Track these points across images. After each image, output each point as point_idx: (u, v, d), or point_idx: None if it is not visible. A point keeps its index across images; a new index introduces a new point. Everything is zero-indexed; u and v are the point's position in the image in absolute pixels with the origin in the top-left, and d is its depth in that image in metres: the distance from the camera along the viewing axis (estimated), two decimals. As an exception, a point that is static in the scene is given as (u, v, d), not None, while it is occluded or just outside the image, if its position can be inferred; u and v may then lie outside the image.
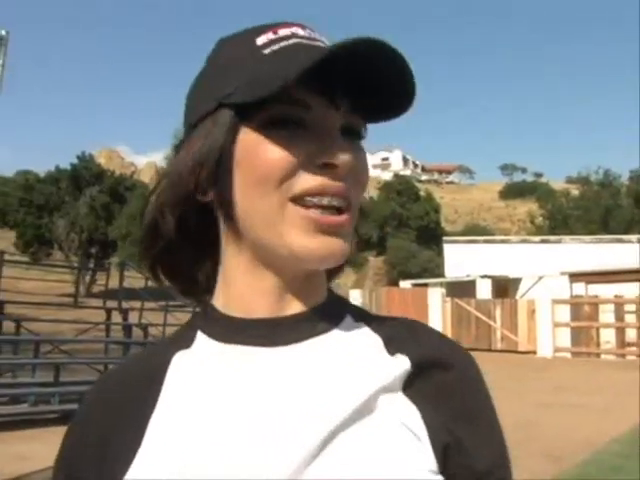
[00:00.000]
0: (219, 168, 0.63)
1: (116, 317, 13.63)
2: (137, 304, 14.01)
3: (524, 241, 30.34)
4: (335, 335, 0.65)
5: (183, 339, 0.68)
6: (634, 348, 19.71)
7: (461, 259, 26.99)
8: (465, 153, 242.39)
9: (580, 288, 22.00)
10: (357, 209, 0.64)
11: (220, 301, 0.68)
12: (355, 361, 0.62)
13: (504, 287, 24.73)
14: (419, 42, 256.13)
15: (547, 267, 23.40)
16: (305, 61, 0.57)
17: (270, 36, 0.64)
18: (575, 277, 22.25)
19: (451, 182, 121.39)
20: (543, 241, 29.06)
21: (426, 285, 25.16)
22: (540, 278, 23.54)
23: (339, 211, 0.61)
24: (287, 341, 0.63)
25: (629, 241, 27.62)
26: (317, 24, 0.69)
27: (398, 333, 0.66)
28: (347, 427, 0.57)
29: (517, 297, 23.52)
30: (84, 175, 40.84)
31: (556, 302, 20.86)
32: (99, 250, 39.70)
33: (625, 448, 7.50)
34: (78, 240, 38.70)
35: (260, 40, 0.64)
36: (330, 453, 0.56)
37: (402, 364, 0.62)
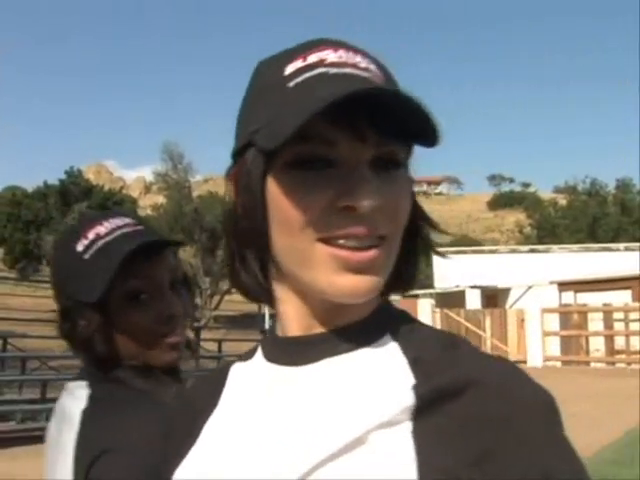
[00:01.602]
0: (256, 206, 0.63)
1: (104, 332, 13.51)
2: (126, 319, 13.95)
3: (513, 251, 30.47)
4: (356, 356, 0.63)
5: (251, 351, 0.73)
6: (623, 356, 19.78)
7: (450, 270, 27.01)
8: (453, 164, 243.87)
9: (569, 297, 22.09)
10: (396, 239, 0.62)
11: (278, 318, 0.71)
12: (364, 387, 0.59)
13: (493, 297, 24.78)
14: (405, 51, 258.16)
15: (536, 276, 23.47)
16: (310, 107, 0.54)
17: (299, 64, 0.61)
18: (564, 286, 22.35)
19: (439, 193, 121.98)
20: (532, 251, 29.19)
21: (416, 296, 25.12)
22: (529, 287, 23.61)
23: (370, 247, 0.59)
24: (305, 361, 0.64)
25: (617, 249, 27.83)
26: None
27: (430, 354, 0.61)
28: (329, 462, 0.55)
29: (506, 307, 23.57)
30: (72, 190, 40.65)
31: (545, 311, 20.94)
32: (88, 265, 39.43)
33: (616, 456, 7.50)
34: (66, 256, 38.45)
35: (289, 69, 0.62)
36: None
37: (413, 393, 0.57)
